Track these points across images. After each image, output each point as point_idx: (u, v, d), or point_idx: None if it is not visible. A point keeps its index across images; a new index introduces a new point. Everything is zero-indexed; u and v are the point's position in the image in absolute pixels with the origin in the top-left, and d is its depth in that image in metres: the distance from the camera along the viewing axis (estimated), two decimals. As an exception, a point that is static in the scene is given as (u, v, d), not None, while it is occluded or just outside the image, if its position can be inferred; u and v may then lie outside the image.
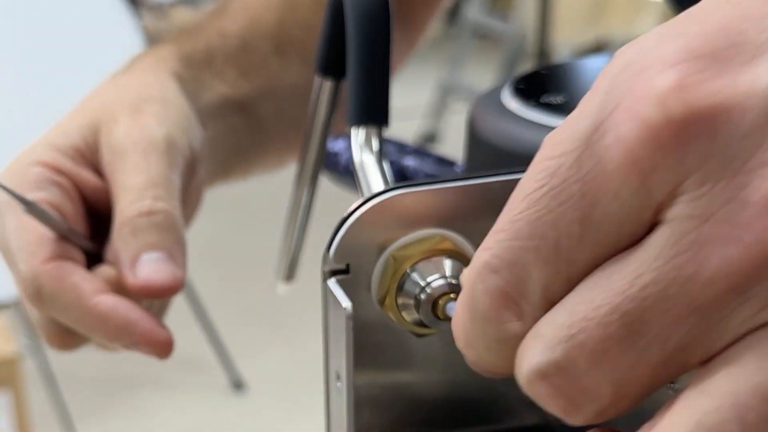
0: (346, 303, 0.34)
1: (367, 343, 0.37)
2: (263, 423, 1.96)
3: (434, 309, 0.35)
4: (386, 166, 0.42)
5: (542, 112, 0.47)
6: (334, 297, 0.35)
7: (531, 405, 0.42)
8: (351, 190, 0.60)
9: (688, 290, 0.23)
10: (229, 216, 2.70)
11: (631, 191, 0.24)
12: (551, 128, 0.45)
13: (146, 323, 0.49)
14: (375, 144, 0.43)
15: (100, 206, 0.52)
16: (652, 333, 0.24)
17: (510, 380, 0.41)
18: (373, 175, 0.41)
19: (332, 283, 0.35)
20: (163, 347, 0.49)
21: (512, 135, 0.47)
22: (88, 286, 0.49)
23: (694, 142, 0.23)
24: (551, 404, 0.26)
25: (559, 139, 0.26)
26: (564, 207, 0.25)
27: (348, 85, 0.44)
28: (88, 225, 0.53)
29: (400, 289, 0.36)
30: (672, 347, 0.24)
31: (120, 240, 0.50)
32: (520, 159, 0.47)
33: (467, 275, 0.27)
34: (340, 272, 0.36)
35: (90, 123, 0.53)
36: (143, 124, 0.52)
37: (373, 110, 0.43)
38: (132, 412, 2.04)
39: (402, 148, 0.58)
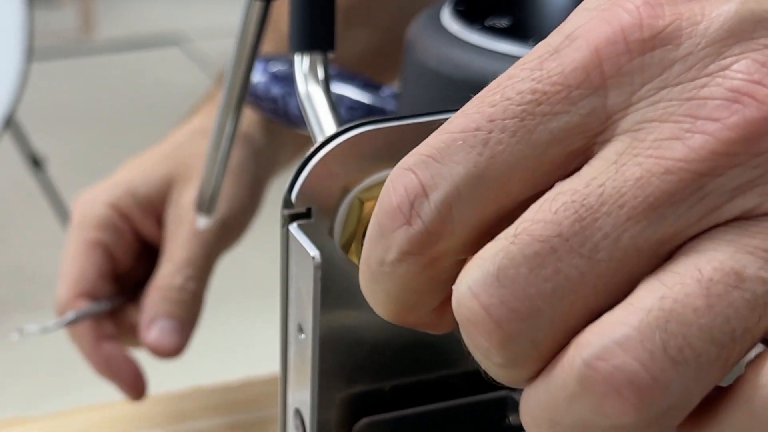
0: (313, 252, 0.32)
1: (326, 288, 0.34)
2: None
3: (405, 254, 0.33)
4: (334, 96, 0.39)
5: (487, 35, 0.44)
6: (299, 244, 0.32)
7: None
8: (270, 117, 0.57)
9: (646, 183, 0.22)
10: (109, 130, 2.62)
11: (586, 91, 0.23)
12: (496, 53, 0.44)
13: (129, 375, 0.60)
14: (320, 72, 0.40)
15: (157, 245, 0.62)
16: (604, 230, 0.23)
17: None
18: (322, 109, 0.38)
19: (294, 228, 0.33)
20: (135, 392, 0.60)
21: (456, 60, 0.44)
22: (97, 332, 0.59)
23: (660, 49, 0.23)
24: (477, 331, 0.23)
25: (524, 58, 0.25)
26: (508, 102, 0.24)
27: (289, 6, 0.41)
28: (142, 259, 0.62)
29: (367, 234, 0.33)
30: (624, 246, 0.23)
31: (149, 299, 0.59)
32: (464, 86, 0.45)
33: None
34: (301, 216, 0.33)
35: (168, 178, 0.61)
36: None
37: (318, 35, 0.40)
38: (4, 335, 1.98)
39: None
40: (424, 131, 0.33)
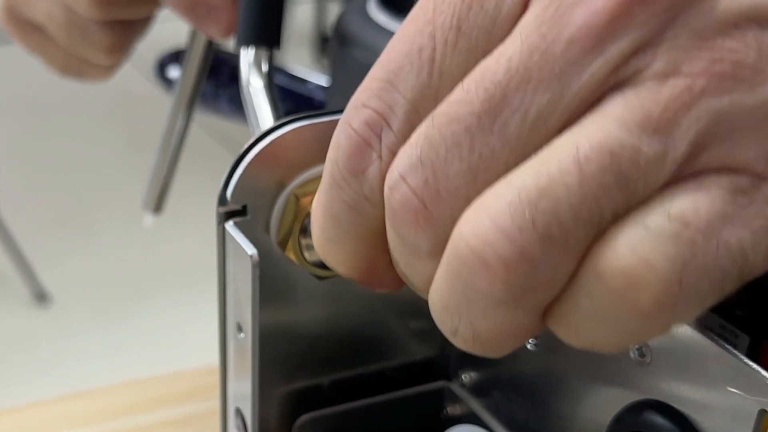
0: (251, 250, 0.31)
1: (265, 285, 0.34)
2: (69, 335, 1.89)
3: (342, 251, 0.33)
4: (276, 92, 0.39)
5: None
6: (236, 243, 0.32)
7: (421, 339, 0.41)
8: (212, 115, 0.56)
9: (551, 54, 0.23)
10: (30, 119, 2.57)
11: None
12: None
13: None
14: (265, 67, 0.39)
15: None
16: (513, 106, 0.23)
17: (401, 314, 0.40)
18: (262, 104, 0.38)
19: (231, 226, 0.33)
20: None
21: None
22: None
23: None
24: (406, 213, 0.24)
25: None
26: (443, 15, 0.24)
27: (239, 1, 0.41)
28: None
29: (304, 230, 0.33)
30: (532, 120, 0.23)
31: None
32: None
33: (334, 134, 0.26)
34: (236, 213, 0.33)
35: None
36: None
37: (265, 30, 0.40)
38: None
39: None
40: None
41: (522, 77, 0.23)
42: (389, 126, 0.25)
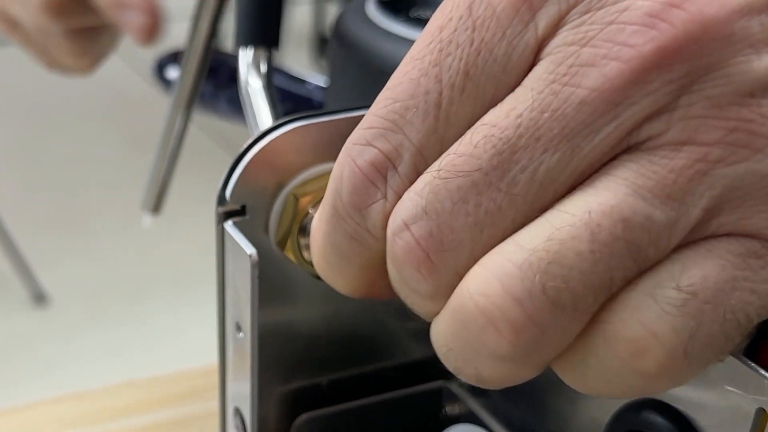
0: (250, 250, 0.32)
1: (263, 285, 0.34)
2: (68, 335, 1.89)
3: (341, 250, 0.33)
4: (275, 92, 0.39)
5: (413, 26, 0.44)
6: (235, 242, 0.32)
7: (420, 338, 0.41)
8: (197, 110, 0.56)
9: (562, 114, 0.22)
10: (29, 120, 2.58)
11: (519, 27, 0.23)
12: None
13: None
14: (263, 67, 0.40)
15: None
16: (521, 163, 0.23)
17: (399, 315, 0.40)
18: (261, 104, 0.38)
19: (230, 226, 0.33)
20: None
21: (383, 52, 0.44)
22: None
23: None
24: (409, 261, 0.24)
25: (447, 5, 0.25)
26: (450, 58, 0.24)
27: (236, 1, 0.41)
28: None
29: (303, 230, 0.33)
30: (540, 178, 0.23)
31: None
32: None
33: (335, 164, 0.26)
34: (235, 213, 0.33)
35: None
36: None
37: (264, 30, 0.40)
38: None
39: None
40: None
41: (531, 135, 0.23)
42: (395, 168, 0.25)
